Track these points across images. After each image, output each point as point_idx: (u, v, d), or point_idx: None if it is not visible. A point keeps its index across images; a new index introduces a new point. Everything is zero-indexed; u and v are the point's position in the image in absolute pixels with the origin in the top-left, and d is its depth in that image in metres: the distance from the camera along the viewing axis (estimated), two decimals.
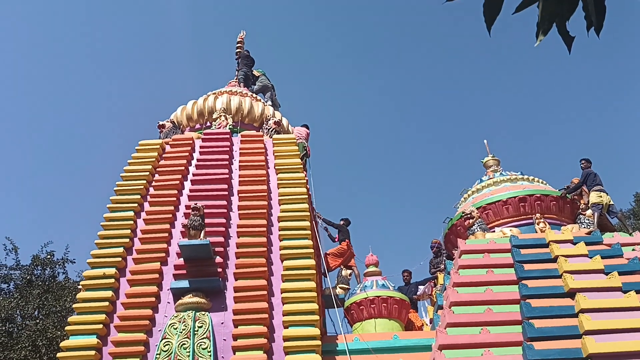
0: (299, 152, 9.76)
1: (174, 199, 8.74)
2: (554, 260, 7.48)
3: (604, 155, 34.53)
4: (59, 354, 7.16)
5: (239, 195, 8.76)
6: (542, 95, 37.59)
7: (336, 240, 10.52)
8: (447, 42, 38.60)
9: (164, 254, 8.01)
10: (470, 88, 38.86)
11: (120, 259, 7.96)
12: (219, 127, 10.37)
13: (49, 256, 17.02)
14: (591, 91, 37.84)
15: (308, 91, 38.76)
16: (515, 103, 38.46)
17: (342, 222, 10.77)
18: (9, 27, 35.23)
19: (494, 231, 9.03)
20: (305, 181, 9.14)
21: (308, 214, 8.55)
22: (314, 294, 7.57)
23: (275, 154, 9.63)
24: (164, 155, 9.62)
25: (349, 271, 10.04)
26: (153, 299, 7.54)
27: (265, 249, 7.95)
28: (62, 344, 7.28)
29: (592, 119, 38.38)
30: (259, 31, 37.01)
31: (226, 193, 8.76)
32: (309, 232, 8.28)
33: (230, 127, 10.44)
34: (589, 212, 8.94)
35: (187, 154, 9.56)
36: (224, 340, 7.15)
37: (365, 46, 39.97)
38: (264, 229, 8.21)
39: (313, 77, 40.66)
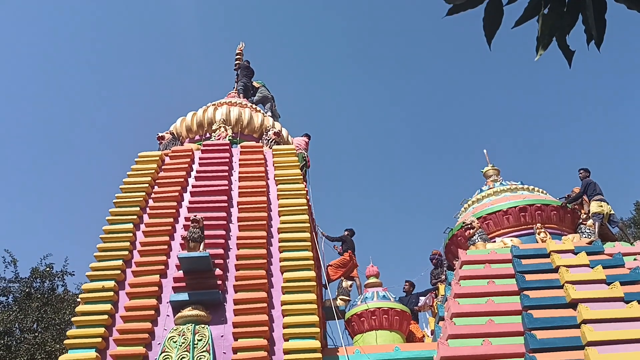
0: (298, 163, 9.76)
1: (174, 211, 8.71)
2: (556, 270, 7.45)
3: (604, 164, 34.57)
4: None
5: (239, 206, 8.74)
6: (542, 105, 37.69)
7: (340, 251, 10.50)
8: (447, 53, 38.78)
9: (163, 267, 7.97)
10: (470, 98, 38.97)
11: (119, 271, 7.92)
12: (219, 139, 10.37)
13: (48, 269, 16.95)
14: (591, 100, 37.98)
15: (308, 102, 38.84)
16: (515, 113, 38.57)
17: (346, 233, 10.78)
18: (5, 43, 35.40)
19: (494, 241, 9.01)
20: (305, 192, 9.12)
21: (308, 225, 8.52)
22: (315, 305, 7.53)
23: (275, 165, 9.61)
24: (163, 167, 9.61)
25: (349, 282, 9.99)
26: (152, 312, 7.49)
27: (265, 260, 7.92)
28: (61, 358, 7.22)
29: (592, 128, 38.48)
30: (260, 42, 37.15)
31: (226, 205, 8.74)
32: (309, 243, 8.25)
33: (230, 138, 10.44)
34: (589, 221, 8.92)
35: (186, 165, 9.55)
36: (224, 353, 7.09)
37: (366, 57, 40.14)
38: (264, 240, 8.18)
39: (314, 86, 40.78)
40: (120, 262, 8.01)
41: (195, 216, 7.90)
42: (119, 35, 38.53)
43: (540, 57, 1.89)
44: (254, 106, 12.01)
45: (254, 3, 39.68)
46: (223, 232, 8.32)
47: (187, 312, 7.34)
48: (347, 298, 9.67)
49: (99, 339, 7.24)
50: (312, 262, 8.02)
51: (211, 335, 7.15)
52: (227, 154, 9.73)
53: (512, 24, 1.91)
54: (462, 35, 36.33)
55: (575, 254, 7.72)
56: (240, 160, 9.68)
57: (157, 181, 9.27)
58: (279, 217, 8.67)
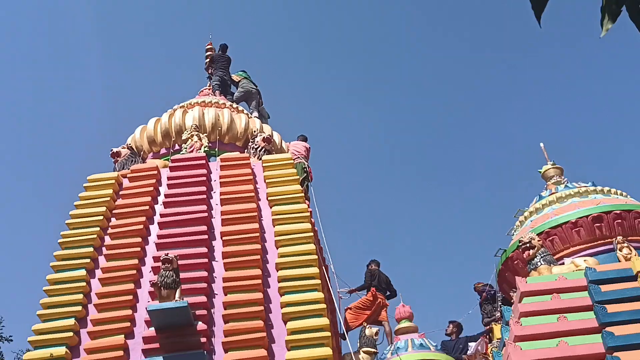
0: (297, 177, 9.80)
1: (138, 249, 8.76)
2: None
3: None
4: None
5: (223, 238, 8.78)
6: (611, 82, 37.66)
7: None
8: (498, 32, 38.86)
9: (128, 324, 7.99)
10: (518, 82, 39.01)
11: (71, 333, 7.94)
12: (191, 151, 10.44)
13: None
14: None
15: (310, 95, 38.95)
16: (577, 94, 38.48)
17: (371, 267, 10.85)
18: None
19: (562, 263, 9.00)
20: (308, 214, 9.16)
21: (315, 257, 8.54)
22: None
23: (266, 181, 9.68)
24: (121, 193, 9.68)
25: (374, 329, 10.01)
26: None
27: (262, 307, 7.94)
28: None
29: None
30: (253, 37, 37.34)
31: (206, 237, 8.78)
32: (319, 281, 8.26)
33: (206, 149, 10.50)
34: None
35: (151, 188, 9.62)
36: None
37: (383, 48, 40.15)
38: (259, 280, 8.21)
39: (319, 83, 40.90)
40: (72, 322, 8.03)
41: (166, 254, 7.93)
42: (70, 35, 38.95)
43: (606, 32, 1.89)
44: (234, 105, 12.10)
45: None
46: (204, 273, 8.35)
47: None
48: (374, 350, 9.67)
49: None
50: (323, 306, 8.03)
51: None
52: (204, 170, 9.80)
53: None
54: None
55: None
56: (221, 177, 9.74)
57: (114, 211, 9.33)
58: (277, 248, 8.70)
